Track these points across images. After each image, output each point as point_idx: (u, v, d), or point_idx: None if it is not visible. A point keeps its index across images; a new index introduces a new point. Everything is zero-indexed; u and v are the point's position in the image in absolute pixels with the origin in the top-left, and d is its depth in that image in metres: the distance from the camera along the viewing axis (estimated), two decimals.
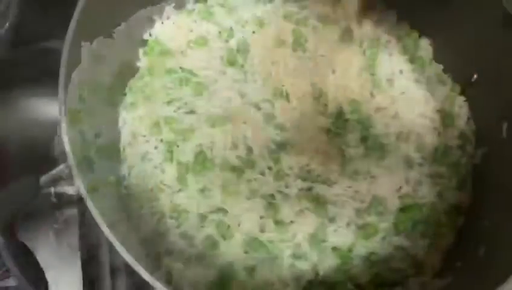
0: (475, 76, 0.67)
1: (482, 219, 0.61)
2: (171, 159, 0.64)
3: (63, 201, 0.66)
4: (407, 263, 0.61)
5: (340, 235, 0.61)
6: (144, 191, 0.63)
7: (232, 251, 0.61)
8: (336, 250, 0.61)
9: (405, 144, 0.66)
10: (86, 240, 0.65)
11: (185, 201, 0.62)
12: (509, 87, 0.61)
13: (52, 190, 0.65)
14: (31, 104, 0.72)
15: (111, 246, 0.62)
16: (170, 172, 0.63)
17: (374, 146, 0.66)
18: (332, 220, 0.62)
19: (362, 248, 0.61)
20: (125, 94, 0.67)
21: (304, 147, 0.65)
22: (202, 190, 0.62)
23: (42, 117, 0.69)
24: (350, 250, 0.61)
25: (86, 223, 0.65)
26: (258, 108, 0.67)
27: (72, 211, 0.66)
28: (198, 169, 0.63)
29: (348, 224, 0.61)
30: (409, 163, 0.65)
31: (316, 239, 0.61)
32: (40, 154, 0.65)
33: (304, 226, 0.61)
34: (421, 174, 0.65)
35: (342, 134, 0.66)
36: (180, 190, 0.63)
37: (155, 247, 0.61)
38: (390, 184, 0.63)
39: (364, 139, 0.66)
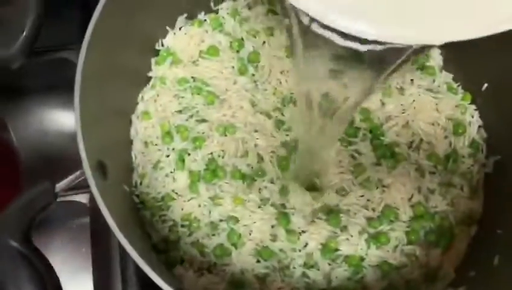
0: (485, 85, 0.67)
1: (495, 228, 0.60)
2: (183, 168, 0.64)
3: (76, 209, 0.67)
4: (420, 272, 0.61)
5: (352, 245, 0.61)
6: (156, 200, 0.63)
7: (243, 259, 0.61)
8: (348, 259, 0.61)
9: (416, 153, 0.66)
10: (98, 249, 0.65)
11: (196, 209, 0.63)
12: None
13: (67, 198, 0.65)
14: (46, 113, 0.73)
15: (123, 255, 0.64)
16: (182, 180, 0.64)
17: (385, 155, 0.66)
18: (344, 229, 0.62)
19: (374, 257, 0.61)
20: (137, 103, 0.68)
21: None
22: (213, 198, 0.63)
23: (58, 126, 0.70)
24: (362, 259, 0.61)
25: (98, 231, 0.66)
26: (269, 116, 0.67)
27: (85, 220, 0.67)
28: (209, 177, 0.63)
29: (360, 233, 0.61)
30: (420, 172, 0.65)
31: (327, 248, 0.61)
32: (56, 162, 0.66)
33: (316, 235, 0.61)
34: (433, 182, 0.65)
35: (353, 142, 0.66)
36: (191, 198, 0.63)
37: (167, 255, 0.61)
38: (401, 193, 0.63)
39: (375, 148, 0.66)
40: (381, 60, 0.43)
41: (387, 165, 0.65)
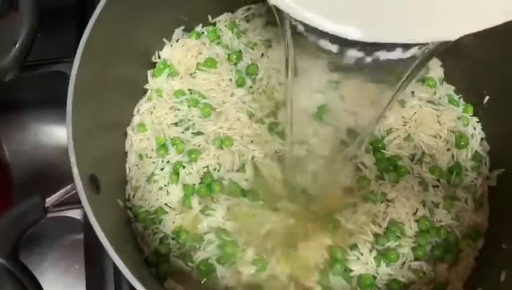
0: (487, 97, 0.66)
1: (501, 243, 0.59)
2: (177, 181, 0.63)
3: (70, 225, 0.65)
4: (428, 289, 0.59)
5: (363, 263, 0.60)
6: (148, 213, 0.62)
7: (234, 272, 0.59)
8: (361, 279, 0.59)
9: (419, 166, 0.65)
10: (91, 266, 0.63)
11: (187, 222, 0.61)
12: None
13: (60, 213, 0.64)
14: (40, 127, 0.72)
15: (116, 272, 0.62)
16: (175, 194, 0.63)
17: (387, 168, 0.64)
18: (354, 247, 0.60)
19: (384, 275, 0.59)
20: (133, 115, 0.67)
21: None
22: (205, 211, 0.62)
23: (52, 139, 0.69)
24: (374, 278, 0.59)
25: (91, 248, 0.64)
26: (263, 122, 0.67)
27: (79, 236, 0.65)
28: (203, 191, 0.62)
29: (370, 250, 0.60)
30: (424, 185, 0.64)
31: (338, 268, 0.59)
32: (49, 176, 0.65)
33: (320, 251, 0.60)
34: (437, 196, 0.63)
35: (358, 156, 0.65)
36: (182, 211, 0.62)
37: (158, 268, 0.60)
38: (406, 207, 0.62)
39: (377, 161, 0.65)
40: (392, 72, 0.42)
41: (389, 179, 0.64)
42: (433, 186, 0.64)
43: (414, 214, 0.62)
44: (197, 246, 0.60)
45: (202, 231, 0.61)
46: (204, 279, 0.59)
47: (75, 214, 0.64)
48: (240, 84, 0.69)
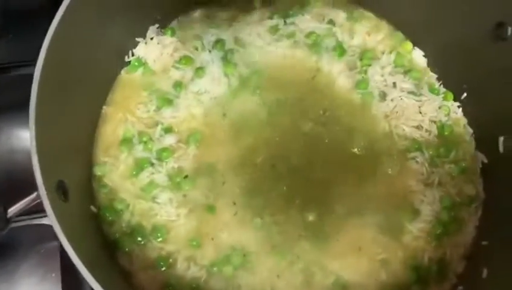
0: (464, 85, 0.66)
1: (480, 240, 0.59)
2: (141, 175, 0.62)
3: (45, 233, 0.63)
4: None
5: None
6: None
7: None
8: None
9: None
10: (68, 274, 0.61)
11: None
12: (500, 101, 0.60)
13: (33, 221, 0.62)
14: (13, 131, 0.70)
15: None
16: (143, 204, 0.61)
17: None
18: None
19: None
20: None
21: None
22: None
23: (25, 144, 0.66)
24: None
25: (68, 255, 0.62)
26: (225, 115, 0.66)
27: (54, 243, 0.63)
28: (172, 187, 0.62)
29: None
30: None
31: None
32: (19, 183, 0.63)
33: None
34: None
35: None
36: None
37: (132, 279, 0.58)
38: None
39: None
40: None
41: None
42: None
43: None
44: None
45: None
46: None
47: (49, 220, 0.62)
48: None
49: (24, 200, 0.45)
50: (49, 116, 0.50)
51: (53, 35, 0.51)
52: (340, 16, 0.71)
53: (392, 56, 0.69)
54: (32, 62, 0.70)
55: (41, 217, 0.62)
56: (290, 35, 0.70)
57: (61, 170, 0.50)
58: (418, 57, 0.70)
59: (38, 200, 0.45)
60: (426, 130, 0.66)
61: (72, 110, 0.55)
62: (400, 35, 0.71)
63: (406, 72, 0.69)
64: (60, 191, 0.49)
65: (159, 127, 0.64)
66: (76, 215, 0.51)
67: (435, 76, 0.69)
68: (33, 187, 0.59)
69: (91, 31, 0.58)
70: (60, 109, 0.53)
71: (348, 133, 0.65)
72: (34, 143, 0.46)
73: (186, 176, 0.62)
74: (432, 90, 0.68)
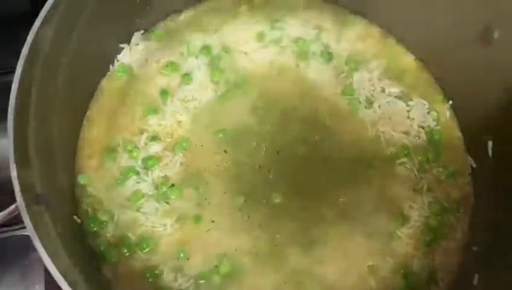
0: (453, 90, 0.66)
1: (470, 246, 0.58)
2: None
3: (29, 244, 0.62)
4: None
5: None
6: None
7: None
8: None
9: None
10: (52, 285, 0.60)
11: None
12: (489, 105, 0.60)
13: (16, 233, 0.60)
14: None
15: None
16: (129, 214, 0.60)
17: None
18: None
19: None
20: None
21: None
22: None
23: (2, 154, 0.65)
24: None
25: None
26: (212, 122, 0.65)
27: (38, 254, 0.62)
28: (158, 197, 0.61)
29: None
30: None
31: None
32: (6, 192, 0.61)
33: None
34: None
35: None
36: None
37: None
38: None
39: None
40: None
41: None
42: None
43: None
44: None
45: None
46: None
47: None
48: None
49: (3, 211, 0.44)
50: (29, 125, 0.49)
51: (32, 43, 0.50)
52: (328, 20, 0.71)
53: (382, 61, 0.69)
54: (12, 70, 0.70)
55: (24, 227, 0.61)
56: (277, 41, 0.69)
57: (42, 179, 0.49)
58: (407, 61, 0.70)
59: (17, 212, 0.44)
60: (415, 136, 0.65)
61: (53, 119, 0.54)
62: (390, 39, 0.71)
63: (395, 77, 0.68)
64: (41, 201, 0.47)
65: (145, 135, 0.63)
66: (59, 226, 0.49)
67: (424, 81, 0.68)
68: (13, 198, 0.58)
69: (73, 39, 0.57)
70: (41, 117, 0.51)
71: (335, 139, 0.64)
72: (12, 153, 0.45)
73: (172, 185, 0.61)
74: (421, 94, 0.67)
